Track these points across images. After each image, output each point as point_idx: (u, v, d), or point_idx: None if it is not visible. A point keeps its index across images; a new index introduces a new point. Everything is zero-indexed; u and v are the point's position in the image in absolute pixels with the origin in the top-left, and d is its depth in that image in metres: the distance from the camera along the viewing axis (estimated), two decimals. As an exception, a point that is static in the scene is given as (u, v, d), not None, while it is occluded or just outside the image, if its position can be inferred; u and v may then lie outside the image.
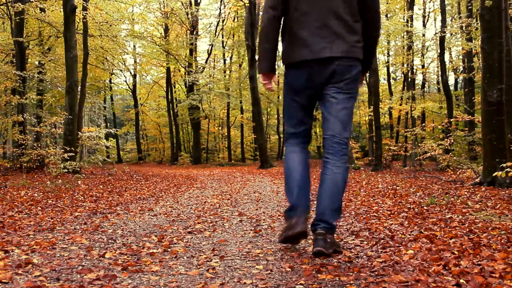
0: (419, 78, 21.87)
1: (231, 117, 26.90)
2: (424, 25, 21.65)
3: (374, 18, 2.38)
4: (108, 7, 16.33)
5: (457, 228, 3.01)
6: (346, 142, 2.33)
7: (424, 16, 21.66)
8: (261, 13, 2.61)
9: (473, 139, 10.10)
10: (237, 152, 28.61)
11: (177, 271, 2.01)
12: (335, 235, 2.49)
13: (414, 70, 19.88)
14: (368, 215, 3.71)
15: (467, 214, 3.66)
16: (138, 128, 28.75)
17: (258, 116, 17.06)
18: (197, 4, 22.96)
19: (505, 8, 6.37)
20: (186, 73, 23.33)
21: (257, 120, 17.16)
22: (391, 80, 24.32)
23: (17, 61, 11.78)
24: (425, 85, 22.38)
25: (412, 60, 19.12)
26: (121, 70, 26.75)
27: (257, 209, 4.37)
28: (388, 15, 21.44)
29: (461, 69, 17.45)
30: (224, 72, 26.77)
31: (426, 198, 4.92)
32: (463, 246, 2.38)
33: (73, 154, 10.33)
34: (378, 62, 15.61)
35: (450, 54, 21.19)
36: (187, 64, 23.05)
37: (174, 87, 27.15)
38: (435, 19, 22.99)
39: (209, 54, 25.65)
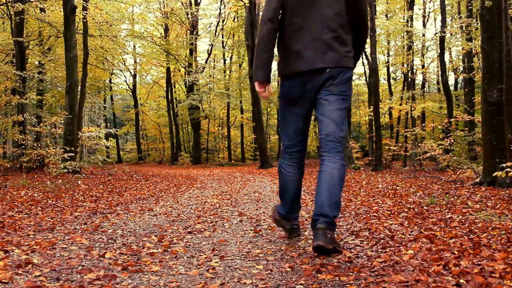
0: (419, 78, 21.87)
1: (231, 117, 26.90)
2: (424, 25, 21.65)
3: (362, 30, 2.56)
4: (108, 7, 16.32)
5: (457, 228, 3.01)
6: (341, 141, 2.40)
7: (424, 16, 21.66)
8: (261, 12, 2.69)
9: (473, 139, 10.10)
10: (237, 152, 28.61)
11: (177, 271, 2.01)
12: (335, 234, 2.53)
13: (414, 70, 19.88)
14: (368, 215, 3.71)
15: (467, 214, 3.66)
16: (138, 128, 28.74)
17: (258, 116, 17.07)
18: (197, 4, 22.96)
19: (505, 8, 6.37)
20: (186, 73, 23.33)
21: (257, 120, 17.16)
22: (391, 80, 24.32)
23: (17, 61, 11.78)
24: (425, 85, 22.38)
25: (412, 60, 19.12)
26: (121, 70, 26.76)
27: (257, 209, 4.37)
28: (388, 15, 21.46)
29: (461, 69, 17.45)
30: (224, 72, 26.76)
31: (426, 198, 4.92)
32: (463, 246, 2.38)
33: (73, 154, 10.33)
34: (378, 62, 15.60)
35: (450, 54, 21.18)
36: (187, 64, 23.05)
37: (174, 87, 27.15)
38: (435, 19, 22.99)
39: (209, 54, 25.65)
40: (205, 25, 25.03)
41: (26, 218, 3.70)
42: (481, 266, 1.96)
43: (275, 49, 2.55)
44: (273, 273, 1.97)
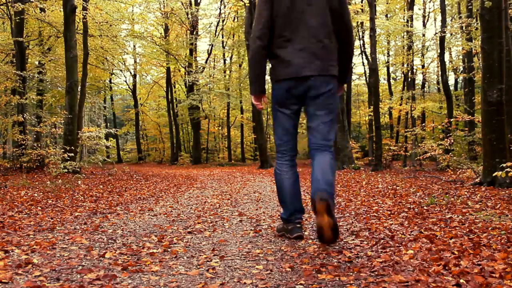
0: (419, 78, 21.88)
1: (231, 117, 26.89)
2: (424, 25, 21.65)
3: (347, 39, 2.69)
4: (108, 7, 16.32)
5: (457, 228, 3.01)
6: (330, 145, 2.65)
7: (424, 16, 21.66)
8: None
9: (473, 139, 10.09)
10: (237, 152, 28.62)
11: (177, 271, 2.01)
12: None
13: (414, 70, 19.89)
14: (368, 215, 3.71)
15: (467, 214, 3.66)
16: (138, 128, 28.75)
17: (258, 116, 17.08)
18: (197, 4, 22.96)
19: (505, 8, 6.37)
20: (186, 73, 23.33)
21: (257, 120, 17.17)
22: (391, 80, 24.33)
23: (17, 61, 11.78)
24: (425, 85, 22.38)
25: (412, 60, 19.12)
26: (121, 70, 26.76)
27: (257, 209, 4.37)
28: (388, 15, 21.46)
29: (461, 69, 17.45)
30: (224, 72, 26.76)
31: (426, 198, 4.92)
32: (463, 246, 2.38)
33: (73, 154, 10.33)
34: (378, 62, 15.61)
35: (450, 54, 21.19)
36: (187, 64, 23.05)
37: (174, 87, 27.15)
38: (435, 19, 22.99)
39: (209, 54, 25.65)
40: (205, 25, 25.04)
41: (26, 218, 3.70)
42: (481, 266, 1.96)
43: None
44: (273, 273, 1.97)
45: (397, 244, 2.50)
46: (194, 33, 23.16)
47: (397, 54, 21.67)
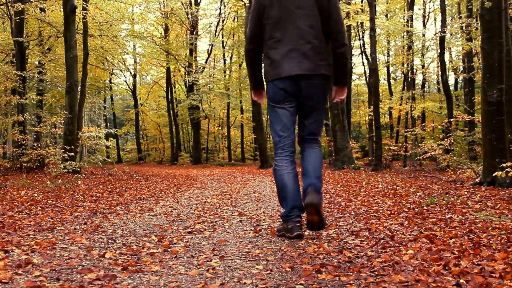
0: (419, 78, 21.88)
1: (231, 117, 26.89)
2: (424, 25, 21.65)
3: (337, 38, 2.76)
4: (108, 7, 16.32)
5: (457, 228, 3.01)
6: (318, 137, 2.91)
7: (424, 16, 21.67)
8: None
9: (473, 139, 10.09)
10: (237, 152, 28.61)
11: (177, 271, 2.01)
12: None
13: (414, 70, 19.89)
14: (368, 215, 3.71)
15: (467, 214, 3.66)
16: (138, 128, 28.74)
17: (258, 116, 17.07)
18: (197, 4, 22.96)
19: (505, 8, 6.37)
20: (186, 73, 23.33)
21: (257, 120, 17.17)
22: (391, 80, 24.33)
23: (17, 61, 11.78)
24: (425, 85, 22.38)
25: (412, 60, 19.12)
26: (121, 70, 26.76)
27: (257, 209, 4.37)
28: (388, 15, 21.45)
29: (461, 69, 17.45)
30: (224, 72, 26.76)
31: (426, 198, 4.92)
32: (463, 246, 2.38)
33: (73, 154, 10.33)
34: (378, 62, 15.61)
35: (450, 54, 21.19)
36: (187, 64, 23.05)
37: (174, 87, 27.14)
38: (435, 19, 23.00)
39: (209, 54, 25.65)
40: (205, 25, 25.04)
41: (26, 218, 3.70)
42: (481, 266, 1.96)
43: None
44: (273, 273, 1.97)
45: (397, 244, 2.50)
46: (194, 33, 23.16)
47: (397, 54, 21.67)
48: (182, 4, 21.69)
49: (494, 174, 5.14)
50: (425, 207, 4.10)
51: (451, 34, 16.70)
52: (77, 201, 5.12)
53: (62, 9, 11.81)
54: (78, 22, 13.09)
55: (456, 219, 3.40)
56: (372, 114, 14.07)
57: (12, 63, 13.15)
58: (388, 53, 23.52)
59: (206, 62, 25.99)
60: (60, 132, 12.64)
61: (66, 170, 9.69)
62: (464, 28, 13.13)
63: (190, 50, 23.41)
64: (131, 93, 29.07)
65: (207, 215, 3.93)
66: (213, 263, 2.16)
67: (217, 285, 1.78)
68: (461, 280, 1.77)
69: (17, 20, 11.52)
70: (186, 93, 24.49)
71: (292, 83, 2.71)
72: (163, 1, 21.49)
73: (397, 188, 6.42)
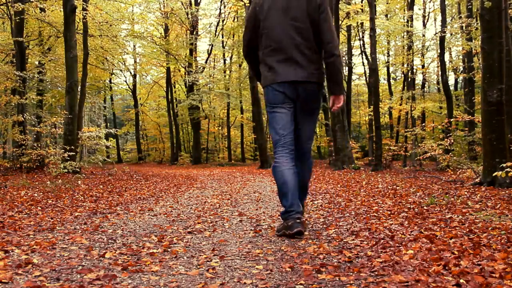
0: (419, 78, 21.88)
1: (231, 117, 26.88)
2: (424, 25, 21.65)
3: (327, 49, 2.89)
4: (108, 7, 16.32)
5: (457, 228, 3.01)
6: (310, 146, 3.09)
7: (424, 16, 21.66)
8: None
9: (473, 139, 10.09)
10: (237, 152, 28.61)
11: (177, 271, 2.01)
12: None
13: (414, 70, 19.88)
14: (368, 215, 3.71)
15: (467, 214, 3.66)
16: (138, 128, 28.74)
17: (258, 116, 17.07)
18: (197, 4, 22.96)
19: (505, 8, 6.37)
20: (186, 73, 23.33)
21: (257, 120, 17.16)
22: (391, 80, 24.33)
23: (17, 61, 11.78)
24: (425, 85, 22.38)
25: (412, 60, 19.12)
26: (121, 70, 26.76)
27: (257, 209, 4.37)
28: (388, 15, 21.46)
29: (461, 69, 17.45)
30: (224, 72, 26.76)
31: (426, 198, 4.92)
32: (463, 246, 2.38)
33: (73, 154, 10.33)
34: (378, 62, 15.61)
35: (450, 54, 21.20)
36: (187, 64, 23.05)
37: (174, 87, 27.14)
38: (435, 19, 23.00)
39: (209, 54, 25.65)
40: (205, 25, 25.04)
41: (26, 218, 3.70)
42: (481, 266, 1.96)
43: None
44: (273, 273, 1.97)
45: (397, 244, 2.50)
46: (194, 33, 23.16)
47: (397, 54, 21.67)
48: (182, 4, 21.70)
49: (494, 174, 5.14)
50: (425, 207, 4.10)
51: (451, 34, 16.71)
52: (77, 201, 5.12)
53: (62, 9, 11.81)
54: (78, 22, 13.09)
55: (456, 219, 3.40)
56: (372, 114, 14.07)
57: (12, 63, 13.15)
58: (388, 53, 23.52)
59: (206, 62, 25.99)
60: (60, 132, 12.64)
61: (66, 170, 9.69)
62: (464, 28, 13.14)
63: (190, 50, 23.41)
64: (131, 93, 29.07)
65: (207, 215, 3.93)
66: (213, 263, 2.16)
67: (217, 285, 1.78)
68: (461, 280, 1.77)
69: (17, 20, 11.52)
70: (186, 93, 24.50)
71: (290, 87, 2.86)
72: (163, 1, 21.50)
73: (397, 188, 6.42)
